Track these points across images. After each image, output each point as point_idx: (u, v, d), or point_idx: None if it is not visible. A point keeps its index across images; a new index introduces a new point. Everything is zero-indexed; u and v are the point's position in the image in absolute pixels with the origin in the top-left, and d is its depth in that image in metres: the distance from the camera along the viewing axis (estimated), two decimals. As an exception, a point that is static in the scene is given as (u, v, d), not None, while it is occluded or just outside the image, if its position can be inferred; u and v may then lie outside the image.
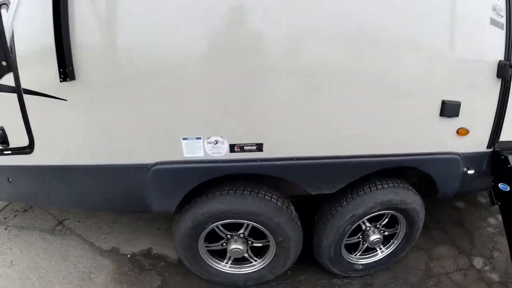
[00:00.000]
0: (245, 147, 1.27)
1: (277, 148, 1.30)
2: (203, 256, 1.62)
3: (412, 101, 1.37)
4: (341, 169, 1.42)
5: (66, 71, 1.18)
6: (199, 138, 1.27)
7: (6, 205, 2.25)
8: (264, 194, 1.42)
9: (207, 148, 1.28)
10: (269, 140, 1.28)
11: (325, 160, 1.36)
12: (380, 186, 1.56)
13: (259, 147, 1.28)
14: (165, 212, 1.44)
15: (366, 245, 1.77)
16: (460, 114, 1.48)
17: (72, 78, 1.20)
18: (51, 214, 2.16)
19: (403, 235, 1.79)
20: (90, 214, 2.18)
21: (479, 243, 2.13)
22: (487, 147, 1.69)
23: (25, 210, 2.19)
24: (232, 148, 1.28)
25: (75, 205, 1.66)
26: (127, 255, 1.89)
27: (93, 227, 2.07)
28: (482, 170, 1.74)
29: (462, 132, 1.54)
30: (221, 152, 1.28)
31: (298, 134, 1.29)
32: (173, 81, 1.20)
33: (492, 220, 2.34)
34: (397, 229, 1.79)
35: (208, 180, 1.34)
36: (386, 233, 1.78)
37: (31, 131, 1.38)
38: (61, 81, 1.20)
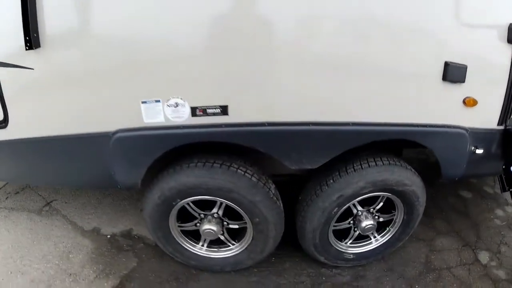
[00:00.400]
0: (208, 110, 1.12)
1: (245, 111, 1.13)
2: (176, 237, 1.48)
3: (410, 60, 1.16)
4: (323, 139, 1.21)
5: (31, 38, 1.10)
6: (158, 101, 1.13)
7: (0, 188, 2.24)
8: (237, 168, 1.27)
9: (167, 112, 1.14)
10: (235, 102, 1.12)
11: (304, 127, 1.15)
12: (373, 163, 1.35)
13: (224, 110, 1.12)
14: (132, 186, 1.32)
15: (357, 232, 1.57)
16: (466, 81, 1.26)
17: (38, 45, 1.12)
18: (41, 195, 2.12)
19: (400, 222, 1.57)
20: (77, 195, 2.11)
21: (486, 236, 1.87)
22: (498, 124, 1.44)
23: (17, 192, 2.16)
24: (194, 111, 1.13)
25: (45, 180, 1.58)
26: (107, 235, 1.80)
27: (78, 207, 2.00)
28: (492, 151, 1.50)
29: (469, 102, 1.31)
30: (182, 116, 1.14)
31: (270, 95, 1.12)
32: (131, 40, 1.09)
33: (499, 212, 2.06)
34: (394, 215, 1.57)
35: (174, 149, 1.20)
36: (381, 220, 1.57)
37: (5, 104, 1.32)
38: (26, 49, 1.12)
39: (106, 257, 1.66)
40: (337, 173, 1.35)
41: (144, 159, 1.22)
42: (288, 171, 1.63)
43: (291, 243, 1.66)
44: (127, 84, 1.15)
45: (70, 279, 1.52)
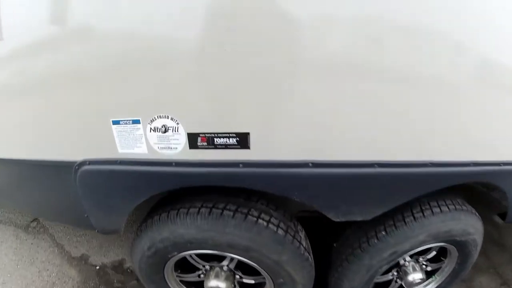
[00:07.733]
0: (217, 139, 0.60)
1: (274, 144, 0.61)
2: (173, 289, 1.00)
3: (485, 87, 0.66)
4: (389, 185, 0.72)
5: None
6: (137, 122, 0.61)
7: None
8: (257, 218, 0.76)
9: (151, 139, 0.62)
10: (260, 128, 0.60)
11: (366, 170, 0.66)
12: (437, 209, 0.85)
13: (243, 140, 0.59)
14: (112, 232, 0.82)
15: (399, 284, 1.08)
16: None
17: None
18: (29, 208, 1.64)
19: (450, 271, 1.08)
20: (68, 211, 1.64)
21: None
22: None
23: (4, 204, 1.69)
24: (193, 140, 0.61)
25: (19, 206, 1.09)
26: (96, 266, 1.32)
27: (67, 226, 1.53)
28: None
29: None
30: (174, 146, 0.62)
31: (315, 126, 0.60)
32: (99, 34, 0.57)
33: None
34: (443, 262, 1.08)
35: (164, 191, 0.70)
36: (428, 269, 1.07)
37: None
38: None
39: (93, 295, 1.19)
40: (391, 223, 0.84)
41: (121, 204, 0.71)
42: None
43: None
44: (89, 93, 0.62)
45: (50, 317, 1.08)
